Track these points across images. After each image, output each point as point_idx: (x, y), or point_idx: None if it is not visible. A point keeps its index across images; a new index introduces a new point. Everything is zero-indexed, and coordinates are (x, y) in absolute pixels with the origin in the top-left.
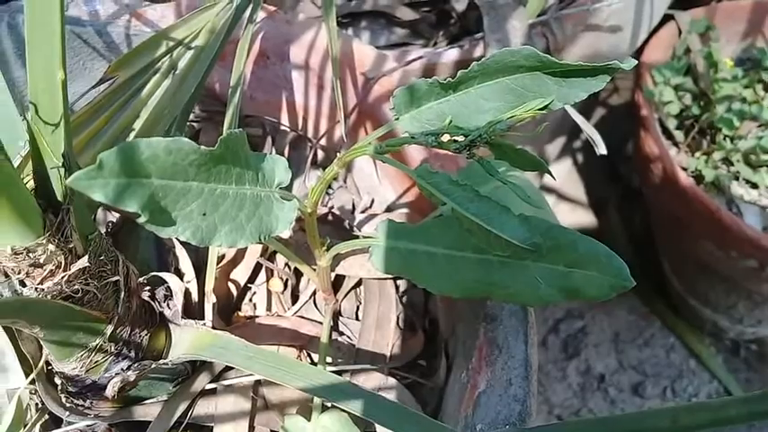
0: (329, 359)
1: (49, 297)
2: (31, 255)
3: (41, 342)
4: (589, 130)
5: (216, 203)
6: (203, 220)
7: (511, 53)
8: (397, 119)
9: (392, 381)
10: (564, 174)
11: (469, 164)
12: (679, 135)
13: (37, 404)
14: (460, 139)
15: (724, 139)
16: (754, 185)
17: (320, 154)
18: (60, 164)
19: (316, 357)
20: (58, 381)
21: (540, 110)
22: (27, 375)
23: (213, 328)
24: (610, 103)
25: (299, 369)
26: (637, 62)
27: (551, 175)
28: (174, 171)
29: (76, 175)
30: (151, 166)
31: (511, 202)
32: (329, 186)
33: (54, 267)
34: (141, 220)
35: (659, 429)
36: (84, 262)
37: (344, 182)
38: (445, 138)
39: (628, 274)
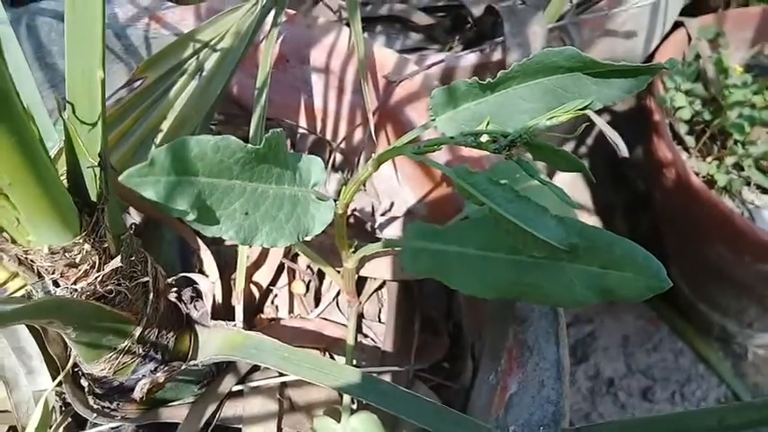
0: (354, 361)
1: (83, 297)
2: (67, 254)
3: (69, 344)
4: (610, 132)
5: (257, 203)
6: (245, 219)
7: (553, 54)
8: (434, 119)
9: (417, 383)
10: (570, 180)
11: (494, 166)
12: (690, 140)
13: (62, 407)
14: (500, 139)
15: (735, 143)
16: (766, 190)
17: (338, 158)
18: (96, 163)
19: (339, 360)
20: (84, 383)
21: (579, 110)
22: (53, 378)
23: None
24: (614, 109)
25: (336, 369)
26: (678, 62)
27: (591, 177)
28: (221, 169)
29: (129, 173)
30: (199, 163)
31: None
32: None
33: (88, 267)
34: (189, 218)
35: (707, 429)
36: (117, 262)
37: (364, 186)
38: (484, 138)
39: (665, 275)
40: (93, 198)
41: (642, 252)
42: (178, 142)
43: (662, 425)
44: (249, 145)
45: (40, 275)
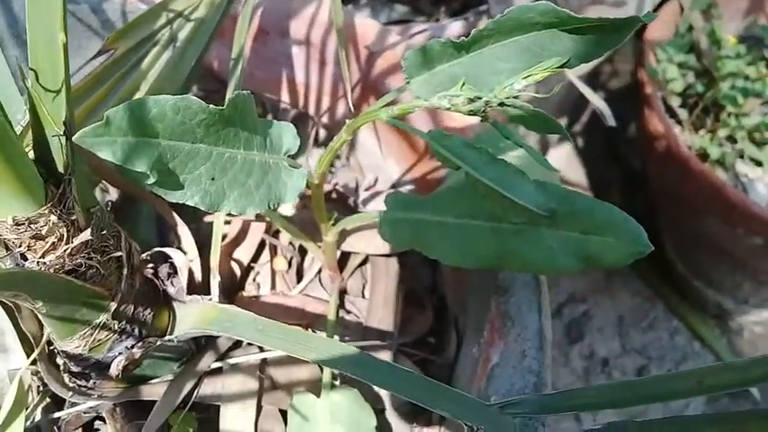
0: (336, 337)
1: (51, 271)
2: (32, 226)
3: (43, 320)
4: (597, 101)
5: (224, 168)
6: (212, 184)
7: (527, 9)
8: (408, 82)
9: (401, 357)
10: (565, 157)
11: (477, 134)
12: (683, 113)
13: (38, 386)
14: (474, 101)
15: (728, 116)
16: (759, 163)
17: (322, 133)
18: (61, 132)
19: (322, 335)
20: (60, 361)
21: (557, 68)
22: (28, 356)
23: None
24: (609, 86)
25: (312, 341)
26: (656, 16)
27: (568, 138)
28: (183, 131)
29: (83, 132)
30: (159, 124)
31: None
32: (332, 165)
33: (56, 240)
34: (149, 181)
35: (686, 391)
36: (86, 235)
37: (348, 160)
38: (458, 101)
39: (646, 239)
40: (61, 169)
41: (622, 216)
42: (135, 102)
43: (642, 388)
44: (212, 106)
45: (7, 248)
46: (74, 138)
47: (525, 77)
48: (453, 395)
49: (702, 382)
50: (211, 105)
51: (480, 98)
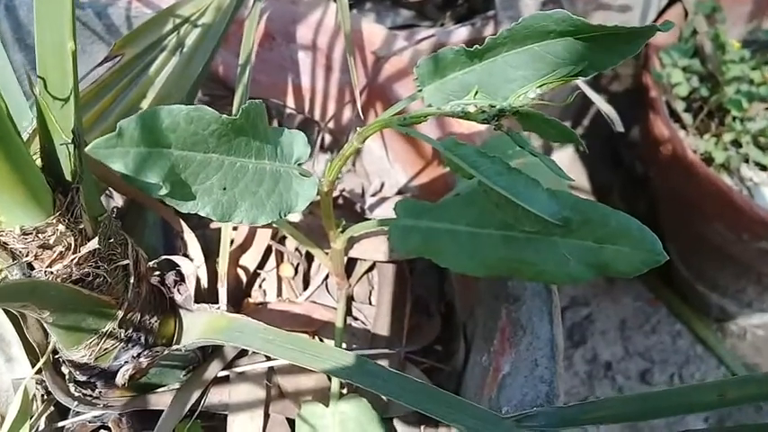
0: (344, 345)
1: (58, 280)
2: (40, 235)
3: (49, 329)
4: (605, 107)
5: (236, 178)
6: (223, 194)
7: (542, 17)
8: (420, 90)
9: (409, 365)
10: (567, 161)
11: (487, 141)
12: (687, 117)
13: (43, 395)
14: (488, 109)
15: (733, 120)
16: (764, 167)
17: (327, 138)
18: (70, 140)
19: (329, 343)
20: (65, 370)
21: (572, 77)
22: (33, 365)
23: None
24: (611, 89)
25: (322, 351)
26: (673, 25)
27: (583, 146)
28: (195, 141)
29: (96, 143)
30: (171, 135)
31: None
32: None
33: (64, 249)
34: (162, 192)
35: (707, 404)
36: (94, 244)
37: (353, 166)
38: (471, 108)
39: (661, 248)
40: (68, 177)
41: (637, 224)
42: (148, 112)
43: (661, 400)
44: (224, 115)
45: (14, 258)
46: (87, 149)
47: (539, 86)
48: (466, 407)
49: (724, 396)
50: (224, 115)
51: (494, 106)
